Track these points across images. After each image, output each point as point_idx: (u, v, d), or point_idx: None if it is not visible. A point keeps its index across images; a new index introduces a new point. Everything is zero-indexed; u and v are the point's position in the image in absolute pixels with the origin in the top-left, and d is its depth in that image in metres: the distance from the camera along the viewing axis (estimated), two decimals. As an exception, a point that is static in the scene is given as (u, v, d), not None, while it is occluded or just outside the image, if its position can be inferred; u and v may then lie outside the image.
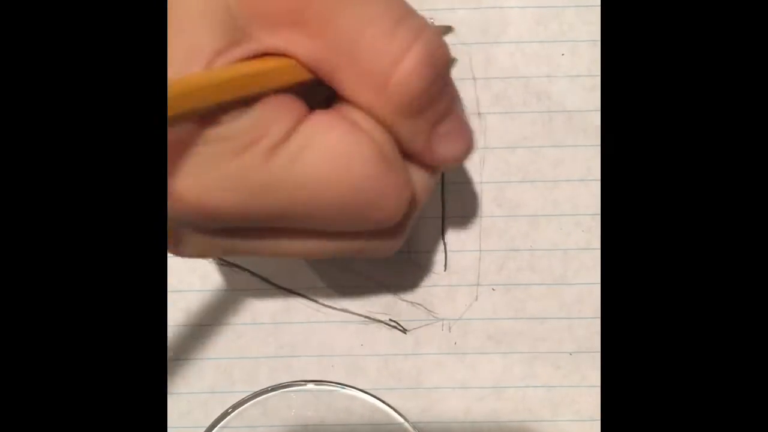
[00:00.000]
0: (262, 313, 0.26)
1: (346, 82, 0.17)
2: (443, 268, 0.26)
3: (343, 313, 0.26)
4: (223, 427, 0.26)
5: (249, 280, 0.26)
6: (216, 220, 0.17)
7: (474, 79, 0.26)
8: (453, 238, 0.26)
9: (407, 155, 0.19)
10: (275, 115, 0.17)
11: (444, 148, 0.19)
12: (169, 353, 0.26)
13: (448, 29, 0.23)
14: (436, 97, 0.18)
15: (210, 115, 0.16)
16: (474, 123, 0.26)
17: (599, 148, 0.26)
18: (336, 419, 0.26)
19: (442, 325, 0.26)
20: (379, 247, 0.20)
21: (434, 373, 0.26)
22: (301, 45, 0.17)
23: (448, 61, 0.18)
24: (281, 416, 0.26)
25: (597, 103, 0.26)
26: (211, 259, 0.25)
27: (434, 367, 0.26)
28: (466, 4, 0.26)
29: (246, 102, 0.16)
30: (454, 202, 0.26)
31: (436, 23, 0.26)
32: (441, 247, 0.26)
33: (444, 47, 0.18)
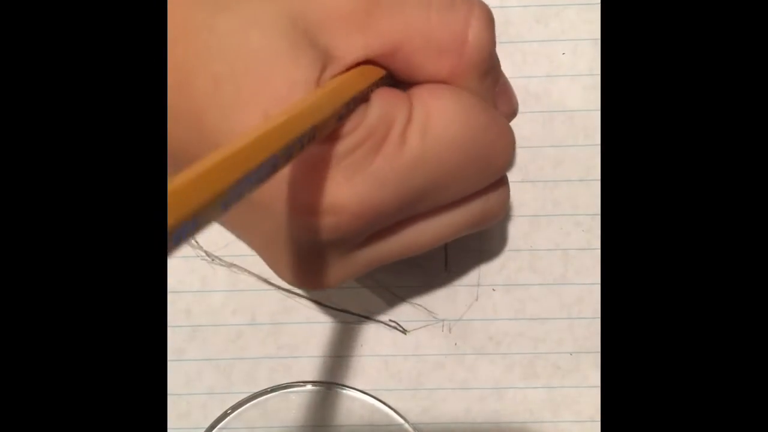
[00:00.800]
0: (262, 313, 0.26)
1: (425, 62, 0.18)
2: (443, 268, 0.26)
3: (343, 313, 0.26)
4: (222, 428, 0.26)
5: (249, 280, 0.26)
6: (378, 220, 0.18)
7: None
8: (453, 238, 0.26)
9: None
10: (392, 103, 0.17)
11: (503, 104, 0.21)
12: (169, 354, 0.26)
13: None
14: (495, 56, 0.20)
15: (335, 127, 0.16)
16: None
17: (599, 148, 0.26)
18: (336, 420, 0.26)
19: (443, 326, 0.26)
20: (497, 200, 0.21)
21: (434, 374, 0.26)
22: (376, 47, 0.18)
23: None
24: (281, 417, 0.26)
25: (597, 103, 0.26)
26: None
27: (434, 368, 0.26)
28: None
29: (360, 102, 0.17)
30: (454, 202, 0.26)
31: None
32: (441, 247, 0.26)
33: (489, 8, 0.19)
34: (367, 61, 0.18)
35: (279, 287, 0.26)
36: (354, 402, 0.26)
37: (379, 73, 0.18)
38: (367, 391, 0.26)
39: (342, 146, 0.17)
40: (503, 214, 0.21)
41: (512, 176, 0.26)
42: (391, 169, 0.17)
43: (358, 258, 0.19)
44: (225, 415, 0.26)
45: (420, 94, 0.18)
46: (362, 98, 0.17)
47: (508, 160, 0.20)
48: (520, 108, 0.26)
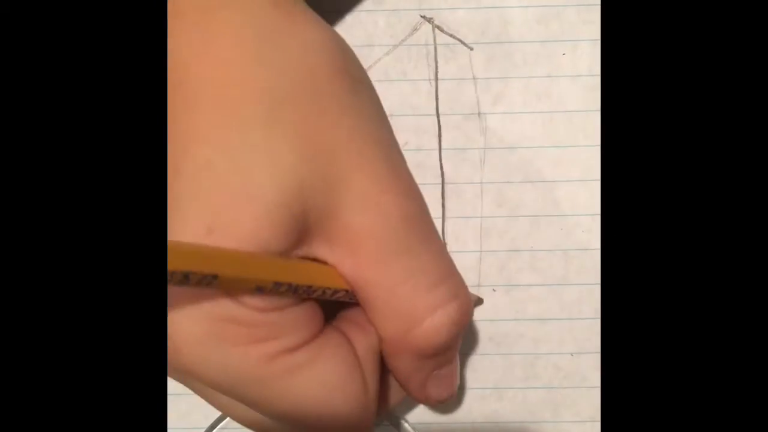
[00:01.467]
0: (262, 313, 0.26)
1: (376, 313, 0.18)
2: (443, 268, 0.26)
3: (343, 313, 0.26)
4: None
5: (249, 280, 0.26)
6: (197, 380, 0.18)
7: (474, 79, 0.26)
8: (453, 238, 0.26)
9: (398, 382, 0.20)
10: (298, 322, 0.17)
11: (434, 390, 0.20)
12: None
13: (479, 301, 0.25)
14: (449, 349, 0.20)
15: (256, 291, 0.16)
16: (474, 123, 0.26)
17: (599, 148, 0.26)
18: (336, 420, 0.26)
19: (443, 326, 0.26)
20: None
21: (434, 374, 0.26)
22: (349, 267, 0.18)
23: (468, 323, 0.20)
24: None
25: (597, 103, 0.26)
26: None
27: (434, 368, 0.26)
28: (466, 4, 0.26)
29: (289, 294, 0.17)
30: (454, 202, 0.26)
31: (437, 23, 0.26)
32: (441, 248, 0.26)
33: (471, 314, 0.20)
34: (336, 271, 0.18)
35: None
36: (354, 402, 0.26)
37: (341, 285, 0.18)
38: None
39: (235, 312, 0.16)
40: None
41: (512, 176, 0.26)
42: (239, 366, 0.17)
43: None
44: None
45: (329, 338, 0.18)
46: (306, 297, 0.17)
47: None
48: (521, 108, 0.26)
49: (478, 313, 0.26)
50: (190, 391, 0.26)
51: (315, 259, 0.18)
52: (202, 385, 0.19)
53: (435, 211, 0.26)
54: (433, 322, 0.18)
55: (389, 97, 0.26)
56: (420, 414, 0.26)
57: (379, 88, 0.26)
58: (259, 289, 0.16)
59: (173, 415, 0.26)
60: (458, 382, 0.21)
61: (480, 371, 0.26)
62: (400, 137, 0.26)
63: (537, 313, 0.26)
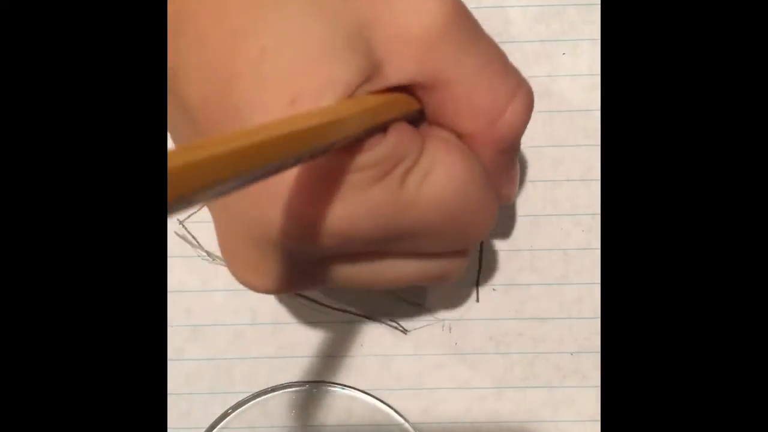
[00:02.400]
0: (263, 313, 0.26)
1: (457, 113, 0.18)
2: (443, 268, 0.26)
3: (343, 313, 0.26)
4: (222, 427, 0.26)
5: (249, 280, 0.26)
6: (352, 244, 0.18)
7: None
8: (453, 238, 0.26)
9: None
10: (406, 141, 0.17)
11: (505, 187, 0.21)
12: (169, 354, 0.26)
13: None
14: (520, 140, 0.20)
15: (349, 144, 0.16)
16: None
17: (599, 148, 0.26)
18: (336, 420, 0.26)
19: (443, 326, 0.26)
20: (456, 266, 0.21)
21: (435, 374, 0.26)
22: (424, 79, 0.18)
23: None
24: (281, 417, 0.26)
25: (597, 103, 0.26)
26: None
27: (435, 368, 0.26)
28: (466, 4, 0.26)
29: (379, 130, 0.17)
30: (455, 202, 0.26)
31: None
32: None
33: (533, 100, 0.20)
34: (406, 88, 0.18)
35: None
36: (354, 402, 0.26)
37: (413, 105, 0.18)
38: (367, 391, 0.26)
39: (347, 164, 0.17)
40: (454, 280, 0.22)
41: (512, 176, 0.26)
42: (384, 202, 0.17)
43: (315, 272, 0.19)
44: (225, 414, 0.26)
45: (435, 141, 0.18)
46: (384, 126, 0.17)
47: (483, 236, 0.20)
48: (521, 108, 0.26)
49: (478, 313, 0.26)
50: (190, 391, 0.26)
51: (394, 89, 0.18)
52: (347, 266, 0.19)
53: (435, 211, 0.26)
54: (516, 109, 0.18)
55: (389, 97, 0.26)
56: (420, 414, 0.26)
57: (379, 88, 0.26)
58: (358, 138, 0.16)
59: (173, 415, 0.26)
60: (517, 185, 0.22)
61: (480, 370, 0.26)
62: (400, 137, 0.26)
63: (537, 312, 0.26)
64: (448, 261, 0.21)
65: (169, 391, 0.26)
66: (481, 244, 0.26)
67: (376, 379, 0.26)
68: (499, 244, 0.26)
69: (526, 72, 0.26)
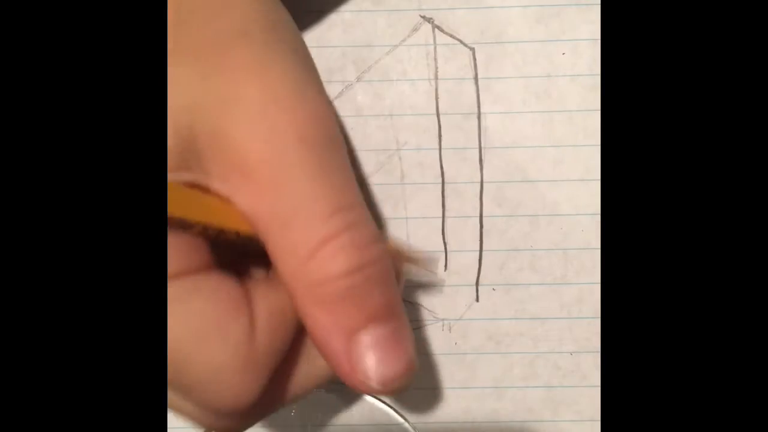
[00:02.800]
0: (262, 313, 0.26)
1: (274, 247, 0.16)
2: (443, 268, 0.26)
3: (343, 313, 0.26)
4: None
5: (249, 280, 0.26)
6: None
7: (474, 79, 0.26)
8: (453, 238, 0.26)
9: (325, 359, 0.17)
10: (175, 251, 0.16)
11: (370, 360, 0.16)
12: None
13: (431, 263, 0.24)
14: (359, 293, 0.16)
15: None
16: (474, 123, 0.26)
17: (599, 148, 0.26)
18: (336, 420, 0.26)
19: (443, 325, 0.26)
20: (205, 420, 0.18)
21: (434, 373, 0.26)
22: (244, 197, 0.16)
23: (384, 264, 0.17)
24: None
25: (597, 103, 0.26)
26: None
27: (434, 367, 0.26)
28: (466, 4, 0.26)
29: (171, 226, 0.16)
30: (454, 202, 0.26)
31: (437, 23, 0.26)
32: (441, 247, 0.26)
33: (377, 249, 0.17)
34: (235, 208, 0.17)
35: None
36: (354, 401, 0.26)
37: (244, 226, 0.17)
38: (367, 391, 0.26)
39: None
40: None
41: (512, 176, 0.26)
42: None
43: None
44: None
45: (209, 279, 0.17)
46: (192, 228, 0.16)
47: (214, 404, 0.17)
48: (521, 108, 0.26)
49: (478, 313, 0.26)
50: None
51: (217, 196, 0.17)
52: None
53: (435, 211, 0.26)
54: (331, 248, 0.16)
55: (389, 97, 0.26)
56: (420, 414, 0.26)
57: (379, 88, 0.26)
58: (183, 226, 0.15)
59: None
60: (410, 354, 0.17)
61: (479, 370, 0.26)
62: (400, 137, 0.26)
63: (537, 312, 0.26)
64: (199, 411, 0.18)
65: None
66: (481, 244, 0.26)
67: (376, 379, 0.26)
68: (500, 244, 0.26)
69: (525, 72, 0.26)
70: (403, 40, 0.26)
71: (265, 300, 0.17)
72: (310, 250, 0.16)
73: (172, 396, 0.17)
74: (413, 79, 0.26)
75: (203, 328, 0.16)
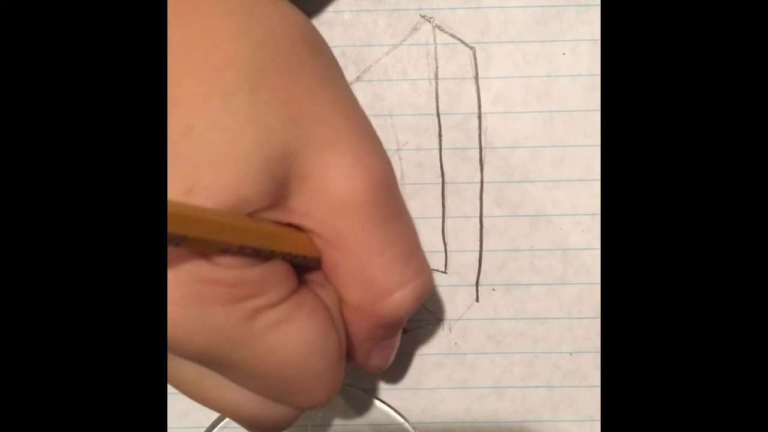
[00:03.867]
0: (262, 313, 0.26)
1: (346, 279, 0.18)
2: (443, 268, 0.26)
3: (343, 313, 0.26)
4: (223, 427, 0.26)
5: (249, 280, 0.26)
6: (177, 352, 0.17)
7: (474, 78, 0.26)
8: (453, 238, 0.26)
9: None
10: (277, 279, 0.17)
11: (376, 358, 0.21)
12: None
13: None
14: (404, 321, 0.20)
15: (222, 252, 0.16)
16: (474, 123, 0.26)
17: (599, 148, 0.26)
18: (336, 419, 0.26)
19: (443, 325, 0.26)
20: (277, 416, 0.20)
21: (434, 373, 0.26)
22: (328, 232, 0.18)
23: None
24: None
25: (597, 103, 0.26)
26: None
27: (434, 367, 0.26)
28: (466, 4, 0.26)
29: (258, 256, 0.17)
30: (454, 202, 0.26)
31: (437, 23, 0.26)
32: (441, 247, 0.26)
33: (432, 287, 0.20)
34: (307, 232, 0.18)
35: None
36: (354, 401, 0.26)
37: (310, 251, 0.18)
38: (367, 390, 0.26)
39: (201, 270, 0.16)
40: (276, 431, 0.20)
41: (512, 176, 0.26)
42: (221, 327, 0.16)
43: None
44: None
45: (303, 299, 0.18)
46: (267, 257, 0.17)
47: (309, 405, 0.19)
48: (521, 108, 0.26)
49: (478, 312, 0.26)
50: (190, 391, 0.26)
51: (289, 224, 0.18)
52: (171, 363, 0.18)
53: (435, 211, 0.26)
54: (404, 296, 0.19)
55: (389, 97, 0.26)
56: (420, 414, 0.26)
57: (379, 88, 0.26)
58: (224, 251, 0.16)
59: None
60: (393, 355, 0.22)
61: (479, 370, 0.26)
62: (400, 137, 0.26)
63: (536, 312, 0.26)
64: (268, 411, 0.19)
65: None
66: (481, 244, 0.26)
67: (376, 379, 0.26)
68: (499, 244, 0.26)
69: (525, 72, 0.26)
70: (403, 40, 0.26)
71: (330, 303, 0.19)
72: (387, 290, 0.18)
73: (249, 402, 0.19)
74: (413, 78, 0.26)
75: (309, 343, 0.18)
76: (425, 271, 0.19)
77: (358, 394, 0.26)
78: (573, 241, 0.26)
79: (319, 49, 0.19)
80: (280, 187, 0.17)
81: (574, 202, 0.26)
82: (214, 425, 0.26)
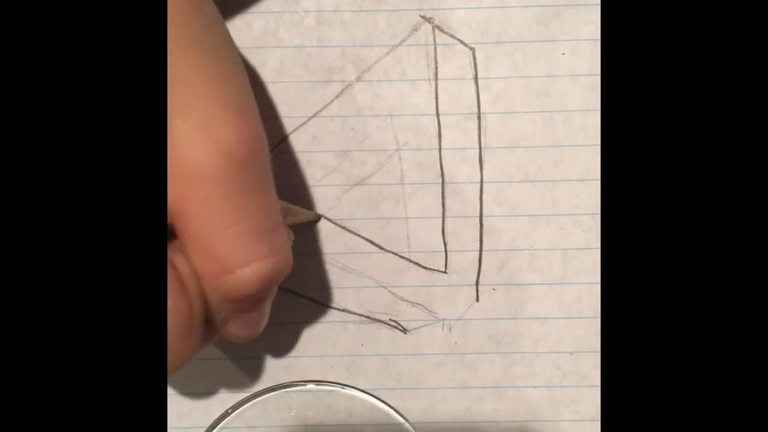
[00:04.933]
0: (262, 313, 0.26)
1: (192, 248, 0.18)
2: (443, 268, 0.26)
3: (343, 313, 0.26)
4: (223, 427, 0.26)
5: (249, 280, 0.26)
6: None
7: (474, 79, 0.26)
8: (453, 238, 0.26)
9: None
10: None
11: (234, 329, 0.20)
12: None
13: (316, 217, 0.25)
14: (256, 299, 0.19)
15: None
16: (474, 123, 0.26)
17: (599, 148, 0.26)
18: (336, 419, 0.26)
19: (443, 325, 0.26)
20: None
21: (434, 373, 0.26)
22: (176, 199, 0.17)
23: (285, 275, 0.20)
24: (281, 416, 0.26)
25: (597, 103, 0.26)
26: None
27: (434, 367, 0.26)
28: (466, 4, 0.26)
29: None
30: (454, 202, 0.26)
31: (437, 23, 0.26)
32: (441, 247, 0.26)
33: (287, 270, 0.19)
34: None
35: (279, 287, 0.26)
36: (354, 401, 0.26)
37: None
38: (367, 391, 0.26)
39: None
40: None
41: (512, 176, 0.26)
42: None
43: None
44: (226, 414, 0.26)
45: None
46: None
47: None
48: (521, 108, 0.26)
49: (478, 312, 0.26)
50: (190, 391, 0.26)
51: None
52: None
53: (435, 211, 0.26)
54: (245, 274, 0.18)
55: (389, 97, 0.26)
56: (420, 414, 0.26)
57: (379, 88, 0.26)
58: None
59: (173, 415, 0.26)
60: (263, 326, 0.21)
61: (479, 370, 0.26)
62: (400, 137, 0.26)
63: (536, 312, 0.26)
64: None
65: (169, 391, 0.26)
66: (481, 244, 0.26)
67: (376, 379, 0.26)
68: (499, 244, 0.26)
69: (525, 72, 0.26)
70: (403, 40, 0.26)
71: (184, 267, 0.18)
72: (228, 266, 0.18)
73: None
74: (413, 79, 0.26)
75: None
76: (276, 253, 0.19)
77: (358, 393, 0.26)
78: (573, 241, 0.26)
79: (196, 7, 0.18)
80: None
81: (574, 202, 0.26)
82: (214, 425, 0.26)
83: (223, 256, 0.18)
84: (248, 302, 0.19)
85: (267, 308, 0.21)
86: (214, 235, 0.18)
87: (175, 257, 0.18)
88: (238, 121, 0.18)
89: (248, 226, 0.18)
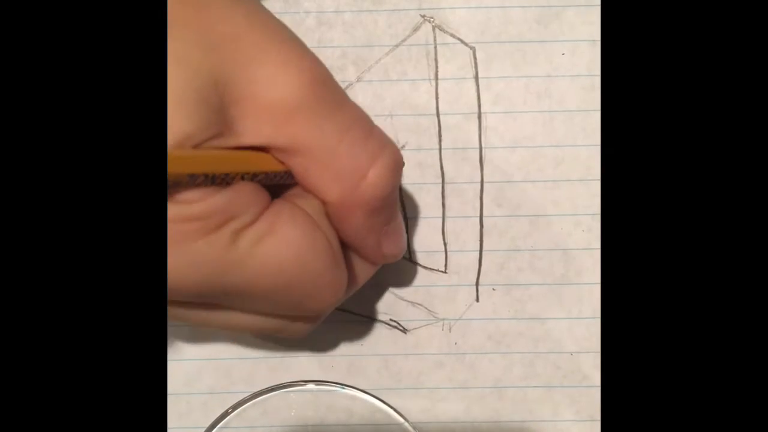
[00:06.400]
0: (262, 313, 0.26)
1: (319, 178, 0.19)
2: (443, 268, 0.26)
3: (343, 313, 0.26)
4: (222, 427, 0.26)
5: (249, 280, 0.26)
6: (178, 295, 0.18)
7: (474, 78, 0.26)
8: (453, 238, 0.26)
9: (352, 248, 0.21)
10: (246, 200, 0.17)
11: (387, 246, 0.21)
12: (169, 353, 0.26)
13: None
14: (392, 200, 0.20)
15: (183, 190, 0.16)
16: (474, 123, 0.26)
17: (599, 148, 0.26)
18: (336, 419, 0.26)
19: (443, 325, 0.26)
20: (298, 329, 0.21)
21: (434, 373, 0.26)
22: (283, 141, 0.18)
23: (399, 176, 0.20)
24: (281, 416, 0.26)
25: (597, 103, 0.26)
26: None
27: (434, 367, 0.26)
28: (466, 4, 0.26)
29: (217, 184, 0.17)
30: (454, 202, 0.26)
31: (437, 23, 0.26)
32: (441, 247, 0.26)
33: (401, 157, 0.20)
34: (265, 149, 0.18)
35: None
36: (354, 401, 0.26)
37: (272, 166, 0.18)
38: (367, 391, 0.26)
39: (172, 213, 0.16)
40: (300, 338, 0.22)
41: (512, 176, 0.26)
42: (209, 258, 0.17)
43: (176, 312, 0.20)
44: (225, 414, 0.26)
45: (280, 209, 0.18)
46: (233, 181, 0.17)
47: (324, 309, 0.20)
48: (521, 108, 0.26)
49: (478, 312, 0.26)
50: (190, 391, 0.26)
51: (250, 147, 0.18)
52: (181, 309, 0.19)
53: (435, 211, 0.26)
54: (377, 172, 0.19)
55: (389, 97, 0.26)
56: (420, 413, 0.26)
57: (379, 88, 0.26)
58: (175, 184, 0.16)
59: (173, 415, 0.26)
60: (405, 237, 0.22)
61: (480, 370, 0.26)
62: (400, 137, 0.26)
63: (537, 312, 0.26)
64: (288, 322, 0.21)
65: (169, 391, 0.26)
66: (481, 244, 0.26)
67: (376, 379, 0.26)
68: (499, 244, 0.26)
69: (525, 72, 0.26)
70: (403, 40, 0.26)
71: (310, 209, 0.19)
72: (359, 174, 0.19)
73: (261, 321, 0.20)
74: (413, 79, 0.26)
75: (297, 245, 0.18)
76: (389, 143, 0.19)
77: (358, 393, 0.26)
78: (573, 241, 0.26)
79: None
80: (219, 115, 0.17)
81: (574, 202, 0.26)
82: (214, 425, 0.26)
83: (351, 166, 0.18)
84: (387, 206, 0.20)
85: (401, 217, 0.22)
86: (335, 152, 0.18)
87: (300, 202, 0.19)
88: (303, 50, 0.18)
89: (356, 132, 0.19)
